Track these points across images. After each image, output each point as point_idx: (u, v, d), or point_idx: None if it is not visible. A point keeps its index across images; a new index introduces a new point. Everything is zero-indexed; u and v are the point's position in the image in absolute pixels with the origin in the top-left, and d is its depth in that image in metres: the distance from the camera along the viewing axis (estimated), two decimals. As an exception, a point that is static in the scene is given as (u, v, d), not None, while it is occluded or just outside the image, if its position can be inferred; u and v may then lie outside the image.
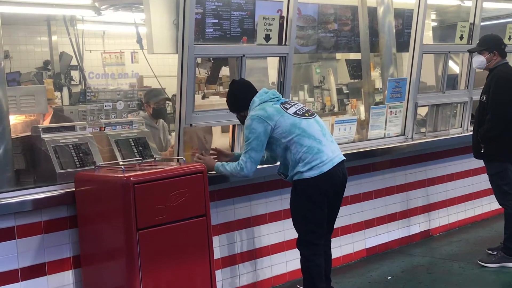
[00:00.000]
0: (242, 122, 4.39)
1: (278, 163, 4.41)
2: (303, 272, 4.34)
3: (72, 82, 8.67)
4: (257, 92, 4.35)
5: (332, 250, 4.57)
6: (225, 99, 4.53)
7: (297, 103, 4.38)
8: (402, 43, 7.28)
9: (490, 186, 5.62)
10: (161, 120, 5.94)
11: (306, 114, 4.28)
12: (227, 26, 5.68)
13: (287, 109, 4.24)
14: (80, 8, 7.69)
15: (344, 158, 4.34)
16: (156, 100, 5.88)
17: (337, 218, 4.54)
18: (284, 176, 4.34)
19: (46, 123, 5.39)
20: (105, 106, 5.78)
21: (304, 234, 4.28)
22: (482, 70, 5.61)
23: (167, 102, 6.03)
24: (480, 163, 5.69)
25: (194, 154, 4.43)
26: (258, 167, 4.71)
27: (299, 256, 4.37)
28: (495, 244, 5.69)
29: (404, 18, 7.62)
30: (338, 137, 5.80)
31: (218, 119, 4.91)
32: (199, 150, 4.42)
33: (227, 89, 4.58)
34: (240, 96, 4.35)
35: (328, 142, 4.25)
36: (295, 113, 4.24)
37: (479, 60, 5.47)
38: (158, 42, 6.24)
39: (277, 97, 4.32)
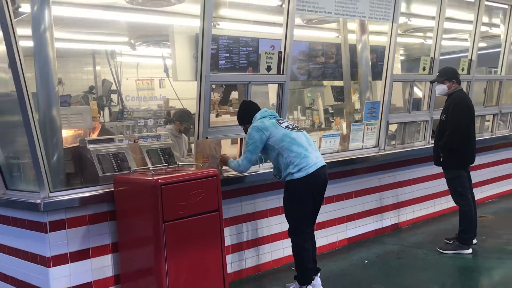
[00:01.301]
0: (246, 132, 4.49)
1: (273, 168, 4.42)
2: (294, 256, 4.35)
3: (112, 103, 8.69)
4: (259, 110, 4.46)
5: (319, 239, 4.57)
6: (235, 117, 4.56)
7: (288, 121, 4.49)
8: (377, 73, 7.28)
9: (447, 188, 5.60)
10: (184, 135, 5.96)
11: (296, 129, 4.39)
12: (236, 59, 5.71)
13: (280, 123, 4.35)
14: (119, 44, 7.74)
15: (325, 164, 4.38)
16: (189, 122, 5.89)
17: (324, 213, 4.55)
18: (278, 177, 4.38)
19: (95, 136, 5.39)
20: (138, 122, 5.78)
21: (295, 224, 4.30)
22: (442, 95, 5.61)
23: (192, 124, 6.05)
24: (439, 170, 5.67)
25: (206, 162, 4.44)
26: (260, 171, 4.72)
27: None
28: (451, 235, 5.66)
29: (378, 53, 7.64)
30: (325, 148, 5.80)
31: (228, 133, 4.93)
32: (210, 158, 4.43)
33: (237, 109, 4.60)
34: (247, 113, 4.48)
35: (313, 150, 4.32)
36: (287, 127, 4.35)
37: (442, 88, 5.49)
38: (181, 71, 6.28)
39: (274, 115, 4.45)
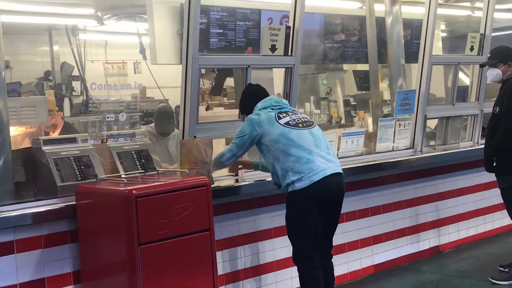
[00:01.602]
0: None
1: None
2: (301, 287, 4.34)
3: (74, 93, 8.70)
4: (266, 97, 4.51)
5: (338, 266, 4.57)
6: (230, 110, 4.59)
7: (296, 114, 4.45)
8: (411, 54, 7.28)
9: (501, 201, 5.59)
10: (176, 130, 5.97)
11: (300, 125, 4.35)
12: (232, 36, 5.71)
13: (280, 118, 4.36)
14: (82, 17, 7.73)
15: (341, 171, 4.35)
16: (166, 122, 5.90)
17: (343, 234, 4.54)
18: (277, 187, 4.41)
19: (56, 135, 5.40)
20: (107, 117, 5.79)
21: (299, 247, 4.31)
22: (495, 82, 5.61)
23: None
24: (492, 177, 5.67)
25: (193, 168, 4.44)
26: (262, 178, 4.72)
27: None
28: (506, 261, 5.65)
29: (413, 29, 7.64)
30: (345, 149, 5.80)
31: (222, 131, 4.92)
32: (199, 163, 4.43)
33: (232, 100, 4.63)
34: (249, 100, 4.53)
35: (322, 153, 4.29)
36: (286, 123, 4.34)
37: (494, 73, 5.47)
38: (162, 53, 6.27)
39: (279, 106, 4.44)
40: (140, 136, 4.72)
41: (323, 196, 4.23)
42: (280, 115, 4.38)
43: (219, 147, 5.67)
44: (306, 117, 4.48)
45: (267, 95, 4.54)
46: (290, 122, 4.35)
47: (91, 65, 9.14)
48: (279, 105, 4.44)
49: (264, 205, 5.06)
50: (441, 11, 6.71)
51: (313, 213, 4.23)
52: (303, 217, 4.25)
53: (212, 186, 4.30)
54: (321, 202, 4.23)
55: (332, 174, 4.25)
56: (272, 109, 4.41)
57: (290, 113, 4.42)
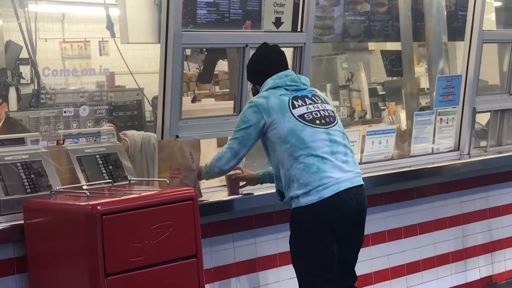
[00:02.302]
0: (254, 95, 4.51)
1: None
2: None
3: (22, 81, 8.69)
4: (283, 69, 4.44)
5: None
6: (223, 102, 4.60)
7: (316, 103, 4.36)
8: (456, 30, 7.27)
9: None
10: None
11: (317, 121, 4.29)
12: (225, 7, 5.68)
13: (294, 107, 4.28)
14: (32, -17, 7.73)
15: (361, 182, 4.32)
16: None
17: (369, 261, 4.52)
18: (280, 198, 4.39)
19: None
20: (65, 112, 5.77)
21: (306, 279, 4.27)
22: None
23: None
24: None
25: (175, 176, 4.43)
26: (264, 192, 4.71)
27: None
28: None
29: (457, -3, 7.64)
30: (371, 152, 5.79)
31: (213, 128, 4.93)
32: (182, 171, 4.42)
33: (225, 89, 4.64)
34: (262, 67, 4.46)
35: (337, 162, 4.24)
36: (301, 116, 4.26)
37: None
38: (135, 28, 6.28)
39: (295, 86, 4.37)
40: (107, 136, 4.71)
41: (337, 216, 4.19)
42: (296, 101, 4.30)
43: (210, 150, 5.66)
44: (327, 109, 4.37)
45: (286, 67, 4.46)
46: (306, 115, 4.27)
47: (44, 45, 9.12)
48: (296, 85, 4.37)
49: (267, 224, 5.06)
50: (494, -27, 6.72)
51: (324, 238, 4.19)
52: (310, 243, 4.21)
53: (199, 199, 4.30)
54: (335, 225, 4.20)
55: (349, 188, 4.22)
56: (286, 89, 4.34)
57: (308, 100, 4.34)
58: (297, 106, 4.29)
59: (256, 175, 4.69)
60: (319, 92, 4.49)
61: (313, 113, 4.30)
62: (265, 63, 4.45)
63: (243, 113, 4.32)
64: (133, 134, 6.26)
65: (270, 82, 4.36)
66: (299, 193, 4.18)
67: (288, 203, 4.29)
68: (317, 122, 4.28)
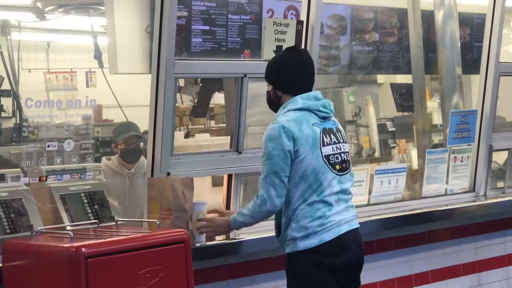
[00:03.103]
0: (269, 101, 4.38)
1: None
2: None
3: (3, 114, 8.71)
4: (310, 90, 4.31)
5: None
6: (217, 137, 4.58)
7: (339, 140, 4.29)
8: (471, 62, 7.31)
9: None
10: (142, 160, 5.97)
11: (337, 167, 4.26)
12: (222, 34, 5.72)
13: (324, 144, 4.22)
14: (16, 10, 7.76)
15: (358, 225, 4.33)
16: (123, 139, 5.94)
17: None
18: (277, 232, 4.32)
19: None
20: (48, 146, 5.78)
21: None
22: None
23: (140, 140, 6.09)
24: None
25: (166, 217, 4.43)
26: (263, 235, 4.72)
27: None
28: None
29: (473, 27, 7.67)
30: (381, 193, 5.80)
31: (208, 165, 4.95)
32: (174, 211, 4.42)
33: (221, 123, 4.63)
34: (293, 72, 4.28)
35: (340, 207, 4.26)
36: (327, 157, 4.22)
37: None
38: (125, 58, 6.29)
39: (326, 113, 4.26)
40: (93, 172, 4.72)
41: (338, 260, 4.20)
42: (325, 136, 4.22)
43: (204, 189, 5.67)
44: (346, 151, 4.33)
45: (312, 81, 4.34)
46: (331, 157, 4.22)
47: (27, 75, 9.16)
48: (326, 113, 4.26)
49: (265, 271, 5.07)
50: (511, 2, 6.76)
51: (326, 284, 4.19)
52: None
53: (192, 243, 4.30)
54: (336, 269, 4.20)
55: (350, 231, 4.25)
56: (317, 115, 4.23)
57: (333, 136, 4.26)
58: (326, 143, 4.22)
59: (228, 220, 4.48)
60: (339, 125, 4.42)
61: (336, 155, 4.27)
62: (300, 71, 4.31)
63: (272, 136, 4.14)
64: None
65: (300, 101, 4.22)
66: (297, 236, 4.18)
67: (282, 242, 4.28)
68: (337, 167, 4.27)
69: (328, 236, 4.16)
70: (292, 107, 4.23)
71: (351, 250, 4.24)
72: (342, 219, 4.24)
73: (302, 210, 4.20)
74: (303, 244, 4.17)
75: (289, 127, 4.14)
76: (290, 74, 4.29)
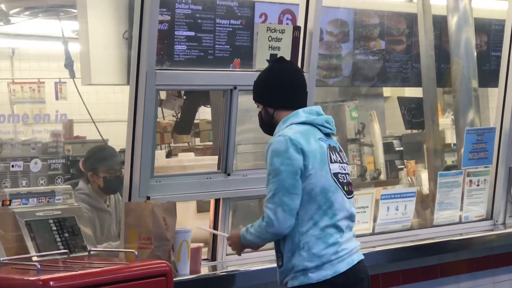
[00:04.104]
0: (262, 123, 4.39)
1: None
2: None
3: (-39, 129, 8.69)
4: (305, 104, 4.36)
5: None
6: (203, 157, 4.58)
7: (343, 163, 4.34)
8: (488, 73, 7.35)
9: None
10: (114, 197, 5.94)
11: (346, 188, 4.29)
12: (209, 41, 5.74)
13: (331, 160, 4.24)
14: (-24, 12, 7.78)
15: (363, 257, 4.35)
16: (109, 166, 5.86)
17: None
18: (280, 260, 4.26)
19: None
20: (13, 166, 5.78)
21: None
22: None
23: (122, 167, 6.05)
24: None
25: (145, 247, 4.42)
26: (254, 268, 4.71)
27: None
28: None
29: (490, 34, 7.71)
30: (386, 221, 5.81)
31: (192, 189, 4.95)
32: (154, 240, 4.42)
33: (208, 143, 4.62)
34: (285, 85, 4.32)
35: (349, 236, 4.30)
36: (335, 174, 4.24)
37: None
38: (99, 67, 6.30)
39: (330, 129, 4.32)
40: (63, 196, 4.71)
41: None
42: (331, 152, 4.25)
43: (188, 215, 5.66)
44: (349, 173, 4.38)
45: (305, 93, 4.38)
46: (340, 175, 4.25)
47: (-11, 86, 9.16)
48: (330, 129, 4.30)
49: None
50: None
51: None
52: None
53: (175, 276, 4.30)
54: None
55: (360, 261, 4.28)
56: (321, 130, 4.26)
57: (337, 154, 4.31)
58: (333, 160, 4.26)
59: (238, 234, 4.46)
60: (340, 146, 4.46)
61: (342, 175, 4.29)
62: (291, 82, 4.33)
63: (278, 151, 4.12)
64: None
65: (303, 115, 4.25)
66: (309, 266, 4.14)
67: (284, 274, 4.24)
68: (345, 188, 4.29)
69: (342, 267, 4.16)
70: (295, 121, 4.24)
71: (363, 282, 4.27)
72: (353, 247, 4.26)
73: (313, 236, 4.16)
74: (316, 276, 4.14)
75: (296, 139, 4.13)
76: (280, 87, 4.32)
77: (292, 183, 4.11)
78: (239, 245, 4.37)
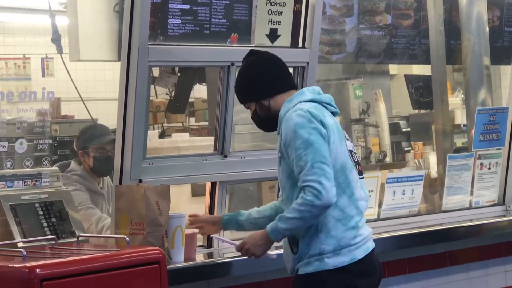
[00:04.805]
0: (260, 121, 4.40)
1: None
2: None
3: None
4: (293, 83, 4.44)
5: None
6: (198, 138, 4.58)
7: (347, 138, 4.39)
8: (501, 50, 7.34)
9: None
10: (107, 179, 5.94)
11: (357, 168, 4.33)
12: (205, 15, 5.73)
13: (346, 138, 4.30)
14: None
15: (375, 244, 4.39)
16: (100, 143, 5.86)
17: None
18: (295, 246, 4.27)
19: None
20: (-3, 147, 5.79)
21: None
22: None
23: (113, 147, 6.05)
24: None
25: (137, 233, 4.42)
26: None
27: None
28: None
29: (503, 9, 7.70)
30: (392, 206, 5.82)
31: (187, 171, 4.95)
32: (146, 226, 4.41)
33: (204, 123, 4.61)
34: (273, 69, 4.37)
35: (364, 220, 4.33)
36: (350, 152, 4.28)
37: None
38: (88, 42, 6.29)
39: (334, 108, 4.34)
40: (50, 178, 4.70)
41: (366, 283, 4.25)
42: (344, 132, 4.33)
43: (182, 199, 5.66)
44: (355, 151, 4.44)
45: (292, 77, 4.45)
46: (353, 153, 4.29)
47: (-29, 63, 9.16)
48: (335, 109, 4.33)
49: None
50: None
51: None
52: None
53: (169, 263, 4.30)
54: None
55: (373, 248, 4.30)
56: (328, 109, 4.28)
57: (346, 134, 4.38)
58: (346, 137, 4.32)
59: (219, 218, 4.60)
60: None
61: (354, 154, 4.34)
62: (277, 66, 4.40)
63: (302, 125, 4.10)
64: None
65: (308, 93, 4.28)
66: (326, 250, 4.15)
67: (299, 259, 4.22)
68: (357, 168, 4.33)
69: (359, 253, 4.19)
70: (303, 99, 4.26)
71: (377, 271, 4.30)
72: (368, 234, 4.29)
73: (333, 217, 4.17)
74: (333, 262, 4.15)
75: (315, 112, 4.15)
76: (267, 74, 4.36)
77: (326, 151, 4.09)
78: (263, 245, 4.26)
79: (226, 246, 5.00)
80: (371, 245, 4.27)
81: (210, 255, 4.95)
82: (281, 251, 4.42)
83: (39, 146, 5.84)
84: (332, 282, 4.17)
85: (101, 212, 5.70)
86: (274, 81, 4.34)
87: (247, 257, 4.33)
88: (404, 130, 8.38)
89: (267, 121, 4.37)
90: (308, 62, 5.25)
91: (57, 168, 5.27)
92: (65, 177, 5.60)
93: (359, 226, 4.23)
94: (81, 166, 5.83)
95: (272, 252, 4.39)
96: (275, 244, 4.27)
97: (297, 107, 4.19)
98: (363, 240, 4.23)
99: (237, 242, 4.38)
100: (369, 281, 4.26)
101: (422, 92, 8.20)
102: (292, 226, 4.11)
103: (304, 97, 4.26)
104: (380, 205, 5.79)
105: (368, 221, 5.26)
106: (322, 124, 4.12)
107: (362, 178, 4.37)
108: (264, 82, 4.34)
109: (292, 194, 4.19)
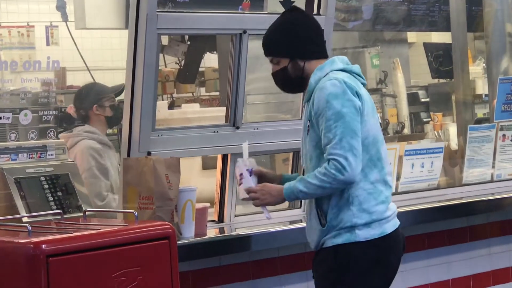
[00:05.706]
0: (289, 80, 4.39)
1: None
2: None
3: None
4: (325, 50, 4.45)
5: None
6: (209, 108, 4.57)
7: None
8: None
9: None
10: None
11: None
12: (215, -19, 5.75)
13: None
14: None
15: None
16: (113, 91, 5.98)
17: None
18: (323, 217, 4.26)
19: None
20: (0, 118, 5.80)
21: None
22: None
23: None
24: None
25: (146, 207, 4.42)
26: (265, 230, 4.70)
27: None
28: None
29: (527, -27, 7.67)
30: (410, 179, 5.82)
31: (197, 143, 4.96)
32: (156, 200, 4.42)
33: (215, 93, 4.60)
34: (311, 34, 4.38)
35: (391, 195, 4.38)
36: (380, 125, 4.38)
37: None
38: (95, 9, 6.29)
39: (363, 79, 4.38)
40: (56, 151, 4.71)
41: (393, 258, 4.31)
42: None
43: (193, 172, 5.67)
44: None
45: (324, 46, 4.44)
46: (381, 125, 4.40)
47: (-28, 31, 9.17)
48: (363, 79, 4.36)
49: (268, 274, 5.08)
50: None
51: (381, 285, 4.29)
52: None
53: (179, 239, 4.32)
54: (390, 268, 4.30)
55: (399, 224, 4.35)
56: (361, 79, 4.32)
57: None
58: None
59: (280, 176, 4.56)
60: None
61: (381, 127, 4.42)
62: (318, 32, 4.42)
63: (335, 95, 4.12)
64: None
65: (339, 63, 4.30)
66: (358, 223, 4.18)
67: (327, 232, 4.23)
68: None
69: (389, 227, 4.24)
70: (335, 68, 4.28)
71: (401, 248, 4.35)
72: (395, 209, 4.33)
73: (365, 190, 4.21)
74: (364, 234, 4.19)
75: (350, 82, 4.17)
76: (309, 37, 4.37)
77: (357, 125, 4.12)
78: (272, 197, 4.31)
79: (238, 221, 5.03)
80: (398, 221, 4.32)
81: (221, 230, 4.96)
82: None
83: (44, 118, 5.85)
84: (360, 254, 4.20)
85: (111, 165, 5.81)
86: (316, 45, 4.37)
87: (249, 200, 4.39)
88: (423, 100, 8.38)
89: (293, 82, 4.39)
90: (323, 30, 5.23)
91: (63, 140, 5.29)
92: (75, 134, 5.72)
93: (389, 200, 4.29)
94: (91, 124, 5.98)
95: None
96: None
97: (330, 75, 4.21)
98: (392, 215, 4.29)
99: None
100: (395, 257, 4.31)
101: (442, 60, 8.19)
102: (309, 190, 4.17)
103: (335, 66, 4.28)
104: (398, 178, 5.79)
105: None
106: (358, 95, 4.15)
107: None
108: (307, 43, 4.35)
109: (318, 164, 4.21)
